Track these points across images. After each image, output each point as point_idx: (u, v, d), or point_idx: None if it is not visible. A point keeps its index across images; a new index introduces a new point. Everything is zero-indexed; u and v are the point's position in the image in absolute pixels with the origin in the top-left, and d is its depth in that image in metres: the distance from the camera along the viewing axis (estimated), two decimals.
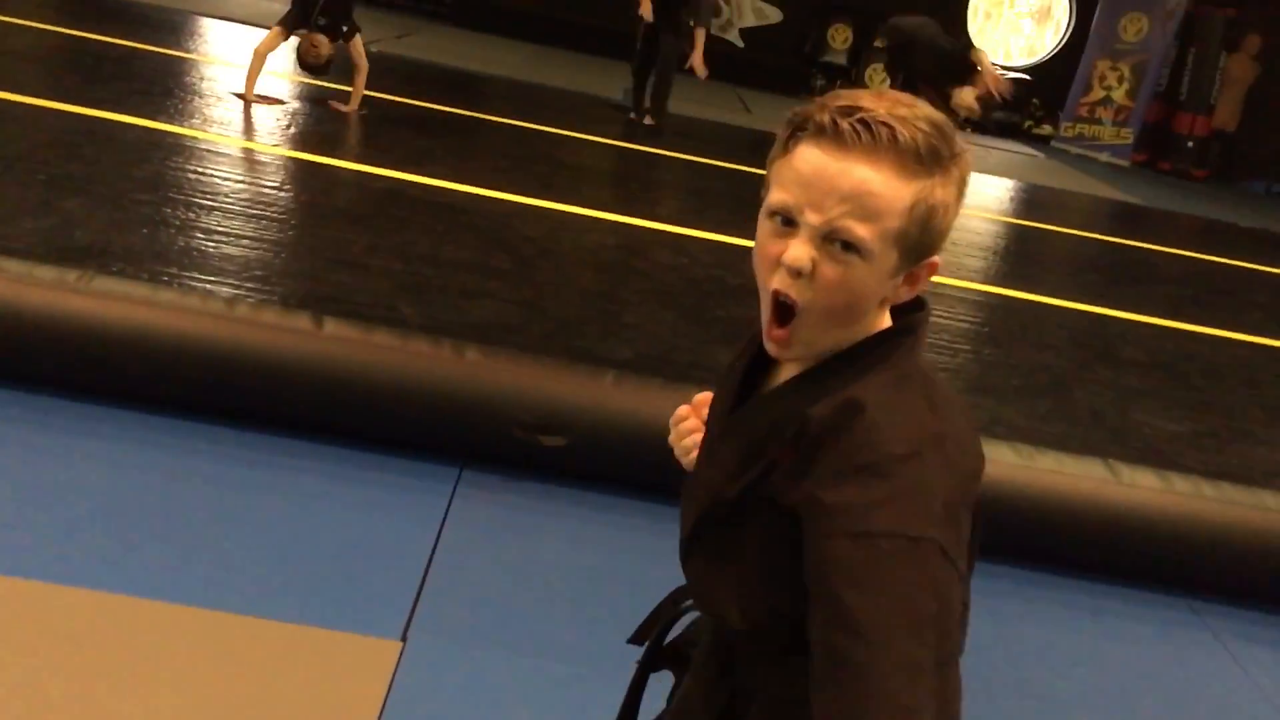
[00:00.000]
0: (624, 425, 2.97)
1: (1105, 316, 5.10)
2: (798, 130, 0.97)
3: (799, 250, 0.94)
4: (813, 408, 0.96)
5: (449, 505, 2.73)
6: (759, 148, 7.33)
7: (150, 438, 2.74)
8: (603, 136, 7.09)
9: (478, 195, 4.91)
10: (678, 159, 6.88)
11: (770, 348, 1.01)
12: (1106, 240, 7.58)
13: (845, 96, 0.95)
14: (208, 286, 3.16)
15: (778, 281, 0.97)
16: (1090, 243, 7.45)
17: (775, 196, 0.97)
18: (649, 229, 4.93)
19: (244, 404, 3.00)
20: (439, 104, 7.13)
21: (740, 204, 5.95)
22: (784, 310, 0.98)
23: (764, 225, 0.99)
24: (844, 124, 0.92)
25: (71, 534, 2.28)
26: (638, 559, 2.65)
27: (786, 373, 1.04)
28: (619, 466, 2.98)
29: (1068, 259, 6.76)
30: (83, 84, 5.58)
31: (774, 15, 13.05)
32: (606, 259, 4.45)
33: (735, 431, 1.05)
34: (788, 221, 0.96)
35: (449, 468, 2.91)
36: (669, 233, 4.92)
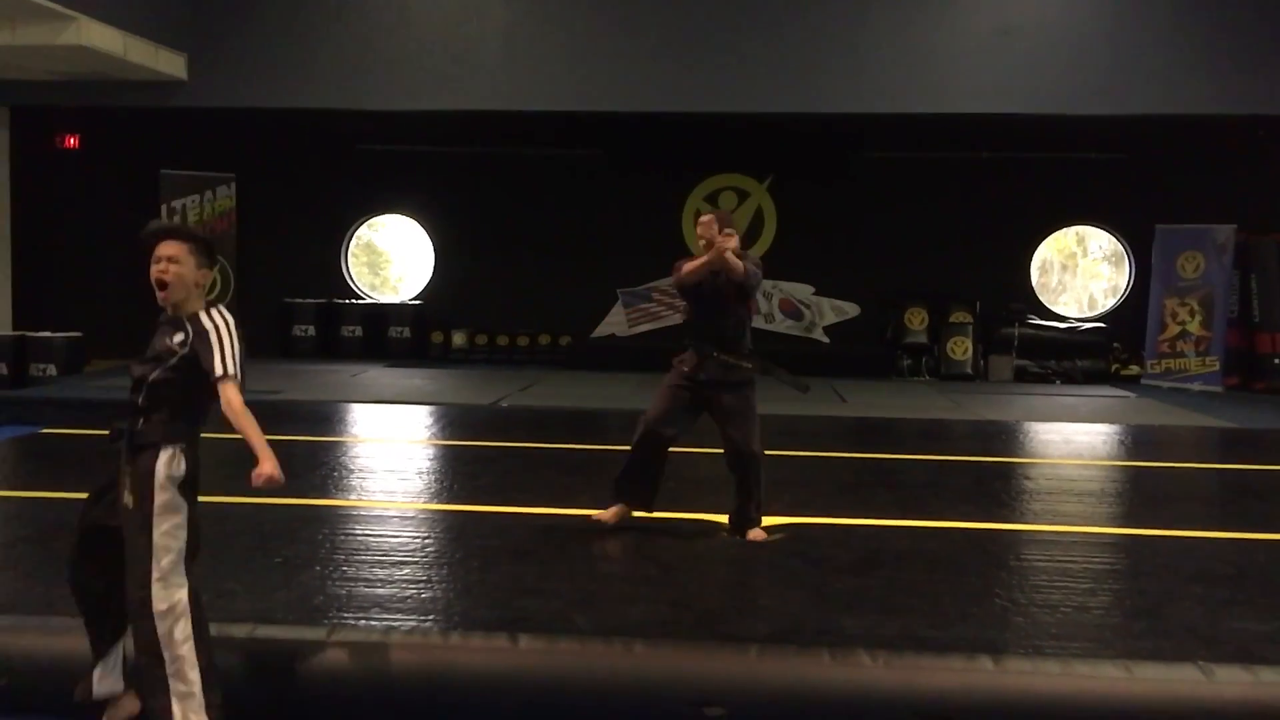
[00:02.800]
0: (771, 690, 3.62)
1: (1201, 539, 5.56)
2: None
3: None
4: None
5: None
6: (858, 435, 8.18)
7: None
8: (711, 446, 7.90)
9: None
10: (785, 456, 7.65)
11: None
12: (1208, 467, 8.02)
13: None
14: (426, 624, 3.97)
15: None
16: (1195, 471, 7.91)
17: None
18: (770, 524, 5.65)
19: (460, 713, 3.72)
20: (570, 444, 8.16)
21: (843, 488, 6.66)
22: None
23: None
24: None
25: None
26: None
27: None
28: None
29: (1172, 491, 7.17)
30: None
31: (851, 310, 14.23)
32: (735, 554, 5.16)
33: None
34: None
35: None
36: (789, 524, 5.62)
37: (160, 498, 3.25)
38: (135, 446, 3.29)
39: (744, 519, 5.39)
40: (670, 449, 5.46)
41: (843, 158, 13.74)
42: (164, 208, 13.33)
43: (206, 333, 3.30)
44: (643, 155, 13.93)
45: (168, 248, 3.36)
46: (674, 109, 11.64)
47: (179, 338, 3.32)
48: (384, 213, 14.99)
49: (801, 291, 14.23)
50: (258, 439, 3.26)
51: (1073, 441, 8.92)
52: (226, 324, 3.34)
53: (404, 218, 14.93)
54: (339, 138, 13.70)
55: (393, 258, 17.98)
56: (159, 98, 11.71)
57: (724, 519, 5.55)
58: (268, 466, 3.24)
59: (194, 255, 3.37)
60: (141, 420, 3.30)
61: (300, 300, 14.30)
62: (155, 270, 3.36)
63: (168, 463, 3.28)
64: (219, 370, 3.25)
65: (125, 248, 13.48)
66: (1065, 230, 14.93)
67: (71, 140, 13.36)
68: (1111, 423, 10.03)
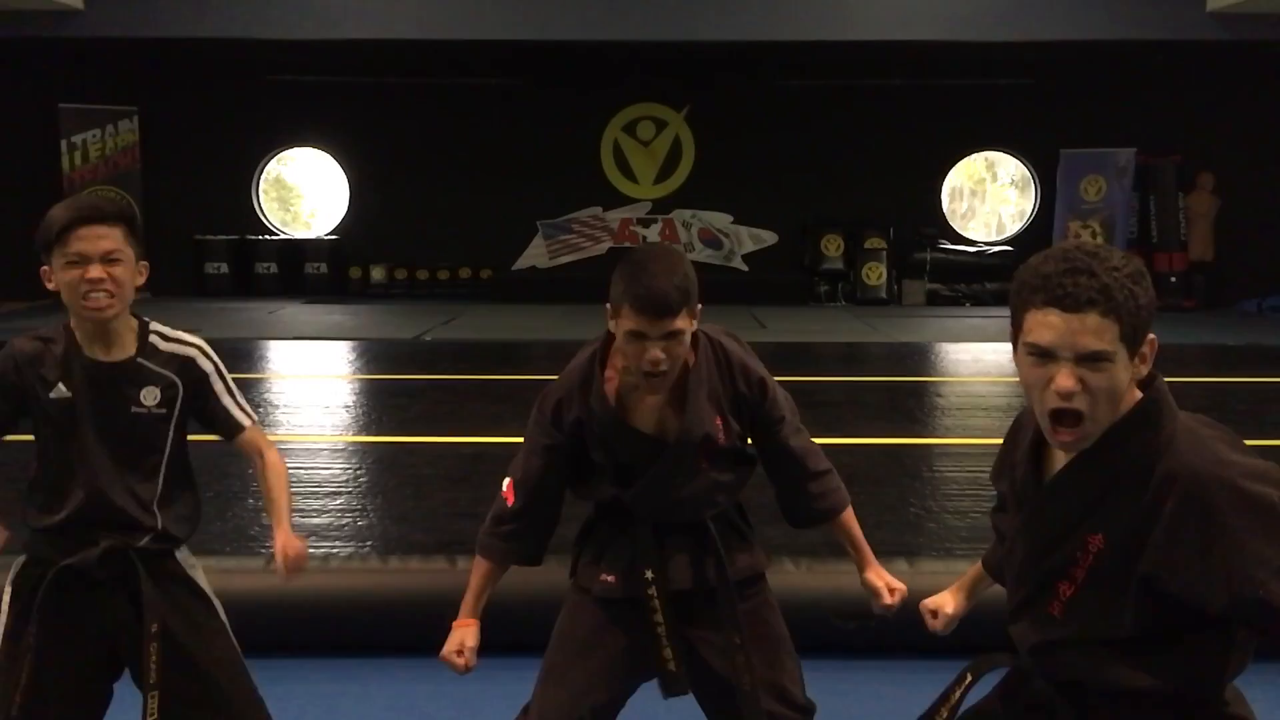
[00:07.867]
0: None
1: None
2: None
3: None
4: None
5: None
6: (778, 359, 8.35)
7: (335, 674, 3.58)
8: None
9: None
10: None
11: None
12: None
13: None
14: (365, 549, 4.07)
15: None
16: None
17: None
18: None
19: (402, 634, 3.84)
20: (496, 374, 8.24)
21: None
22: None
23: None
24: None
25: None
26: None
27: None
28: None
29: None
30: None
31: (769, 238, 14.43)
32: None
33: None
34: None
35: None
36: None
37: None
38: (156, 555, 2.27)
39: None
40: None
41: (759, 87, 13.82)
42: (64, 143, 12.90)
43: (197, 365, 2.28)
44: (560, 85, 13.83)
45: (103, 239, 2.08)
46: (591, 37, 11.58)
47: (153, 392, 2.20)
48: (296, 146, 14.70)
49: (720, 220, 14.38)
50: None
51: (981, 360, 9.27)
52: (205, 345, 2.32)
53: (317, 151, 14.65)
54: (247, 68, 13.34)
55: (303, 192, 17.66)
56: (54, 27, 11.26)
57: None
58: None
59: (132, 245, 2.14)
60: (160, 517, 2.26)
61: (212, 237, 14.02)
62: (82, 276, 2.07)
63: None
64: (243, 418, 2.36)
65: (26, 186, 13.17)
66: (975, 156, 15.27)
67: None
68: None
